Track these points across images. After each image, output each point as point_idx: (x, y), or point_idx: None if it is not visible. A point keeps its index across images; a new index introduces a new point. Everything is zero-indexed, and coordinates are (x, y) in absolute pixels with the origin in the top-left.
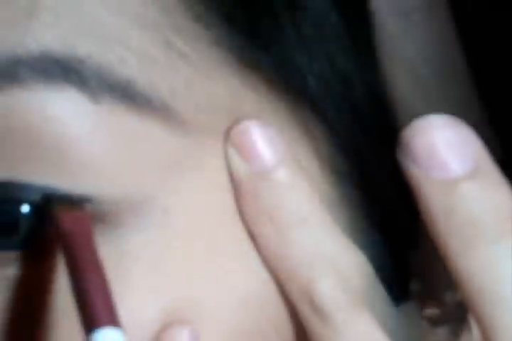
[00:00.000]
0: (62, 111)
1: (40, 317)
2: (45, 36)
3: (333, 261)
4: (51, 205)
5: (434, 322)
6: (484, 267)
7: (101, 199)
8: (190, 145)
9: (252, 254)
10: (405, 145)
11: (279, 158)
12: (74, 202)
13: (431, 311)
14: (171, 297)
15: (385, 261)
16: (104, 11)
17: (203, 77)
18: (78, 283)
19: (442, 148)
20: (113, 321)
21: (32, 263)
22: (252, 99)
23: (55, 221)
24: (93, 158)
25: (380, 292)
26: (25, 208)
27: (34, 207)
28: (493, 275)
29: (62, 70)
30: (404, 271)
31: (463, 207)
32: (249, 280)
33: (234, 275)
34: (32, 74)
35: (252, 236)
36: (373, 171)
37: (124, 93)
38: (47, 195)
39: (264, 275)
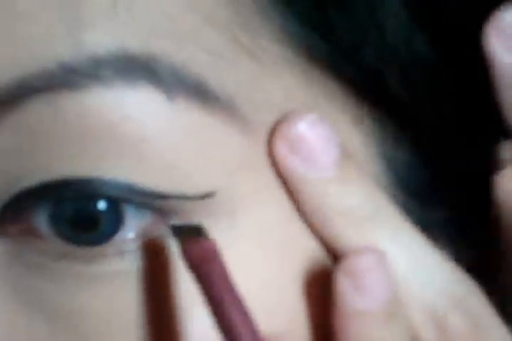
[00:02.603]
0: (140, 110)
1: (171, 305)
2: (123, 35)
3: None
4: (177, 236)
5: None
6: None
7: (174, 197)
8: (251, 144)
9: (318, 247)
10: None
11: (337, 154)
12: (197, 231)
13: None
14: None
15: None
16: (177, 9)
17: (266, 74)
18: (216, 307)
19: None
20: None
21: (151, 255)
22: (309, 95)
23: (182, 252)
24: (168, 156)
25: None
26: (103, 204)
27: (113, 202)
28: None
29: (140, 69)
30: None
31: None
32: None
33: (307, 272)
34: (112, 73)
35: (318, 232)
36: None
37: (197, 91)
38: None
39: None
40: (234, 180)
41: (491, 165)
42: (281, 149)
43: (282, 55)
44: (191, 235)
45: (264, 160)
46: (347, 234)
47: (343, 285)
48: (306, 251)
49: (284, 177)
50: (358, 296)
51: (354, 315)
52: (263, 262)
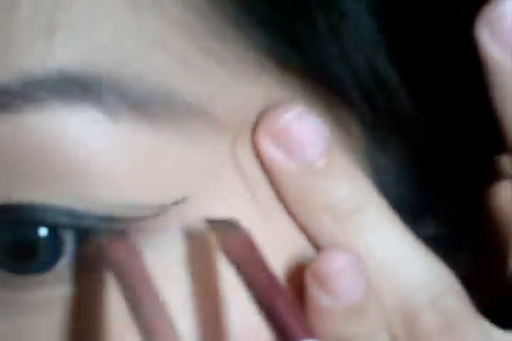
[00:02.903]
0: (80, 132)
1: (99, 329)
2: (63, 56)
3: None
4: (213, 229)
5: None
6: None
7: (122, 219)
8: (227, 147)
9: (306, 244)
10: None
11: (325, 146)
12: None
13: None
14: None
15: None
16: (138, 19)
17: (239, 79)
18: (259, 295)
19: None
20: (307, 333)
21: (82, 280)
22: (286, 98)
23: (221, 244)
24: (114, 176)
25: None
26: (42, 231)
27: (54, 230)
28: None
29: (80, 89)
30: None
31: None
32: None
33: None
34: (47, 94)
35: (304, 227)
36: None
37: (143, 109)
38: (86, 229)
39: None
40: (207, 185)
41: (480, 178)
42: (265, 141)
43: (257, 60)
44: (226, 227)
45: (245, 159)
46: (331, 229)
47: (312, 288)
48: (293, 248)
49: (268, 170)
50: (326, 299)
51: (322, 314)
52: None
